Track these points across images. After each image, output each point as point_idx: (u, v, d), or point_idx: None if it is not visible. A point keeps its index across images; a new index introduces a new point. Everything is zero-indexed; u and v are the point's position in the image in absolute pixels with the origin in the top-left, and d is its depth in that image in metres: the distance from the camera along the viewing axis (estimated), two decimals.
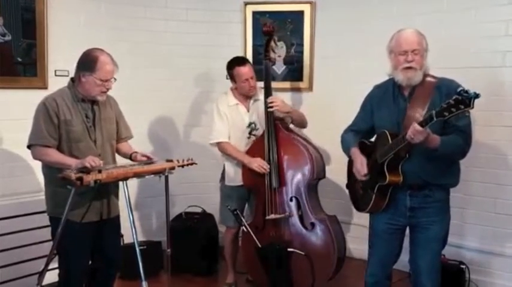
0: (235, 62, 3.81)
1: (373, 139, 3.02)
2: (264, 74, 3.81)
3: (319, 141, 4.24)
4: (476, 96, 2.27)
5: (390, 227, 2.92)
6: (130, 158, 3.16)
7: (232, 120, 3.84)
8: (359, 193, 3.04)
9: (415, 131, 2.48)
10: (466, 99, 2.28)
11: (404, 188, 2.80)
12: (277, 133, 3.72)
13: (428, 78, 2.78)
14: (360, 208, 3.07)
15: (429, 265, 2.85)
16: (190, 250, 4.27)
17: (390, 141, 2.70)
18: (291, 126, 3.94)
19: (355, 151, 2.98)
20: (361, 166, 2.88)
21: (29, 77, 3.90)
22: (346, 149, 3.10)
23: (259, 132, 3.83)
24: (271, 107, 3.68)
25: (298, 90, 4.74)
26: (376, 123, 2.95)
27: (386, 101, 2.89)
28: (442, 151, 2.64)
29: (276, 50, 4.02)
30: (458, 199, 3.98)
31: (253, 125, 3.86)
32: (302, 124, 3.94)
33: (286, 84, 4.75)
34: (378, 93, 2.99)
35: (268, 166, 3.66)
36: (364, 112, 3.06)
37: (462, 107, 2.30)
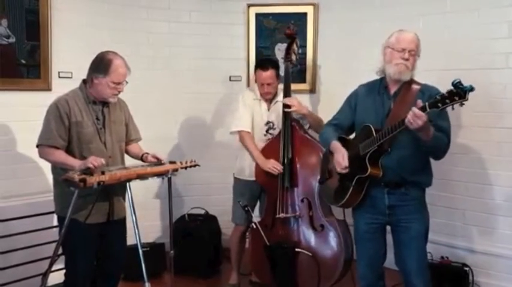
0: (259, 65, 3.90)
1: (352, 136, 3.06)
2: (284, 75, 3.86)
3: None
4: (471, 89, 2.33)
5: (371, 227, 2.95)
6: (141, 159, 3.18)
7: (253, 114, 3.89)
8: (334, 186, 3.07)
9: (414, 116, 2.49)
10: (462, 91, 2.33)
11: (381, 186, 2.85)
12: (293, 134, 3.74)
13: (414, 83, 2.86)
14: (334, 202, 3.11)
15: (417, 264, 2.86)
16: (193, 252, 4.27)
17: (375, 134, 2.74)
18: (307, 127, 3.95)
19: (336, 144, 2.99)
20: (343, 159, 2.90)
21: (33, 79, 3.91)
22: (324, 141, 3.13)
23: (276, 132, 3.85)
24: (289, 107, 3.70)
25: (301, 92, 4.73)
26: (359, 119, 2.98)
27: (371, 97, 2.95)
28: (432, 144, 2.67)
29: (296, 53, 4.05)
30: (461, 200, 3.99)
31: (271, 124, 3.90)
32: (319, 129, 3.85)
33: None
34: (363, 91, 3.04)
35: (282, 167, 3.67)
36: (347, 108, 3.09)
37: (457, 98, 2.35)
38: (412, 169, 2.81)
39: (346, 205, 3.02)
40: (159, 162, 3.08)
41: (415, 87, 2.83)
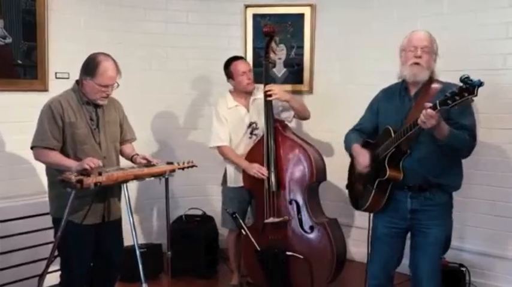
0: (232, 59, 3.90)
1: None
2: (264, 75, 3.80)
3: (320, 144, 4.24)
4: (480, 84, 2.29)
5: (391, 231, 2.92)
6: (131, 160, 3.17)
7: (232, 122, 3.85)
8: (359, 190, 3.06)
9: (427, 115, 2.48)
10: (470, 87, 2.30)
11: (405, 190, 2.81)
12: (277, 136, 3.71)
13: (435, 82, 2.82)
14: (359, 206, 3.07)
15: (430, 269, 2.84)
16: (191, 253, 4.26)
17: (393, 136, 2.73)
18: (292, 124, 3.91)
19: (356, 147, 3.01)
20: (363, 158, 2.91)
21: (30, 80, 3.90)
22: (348, 146, 3.12)
23: (260, 131, 3.82)
24: (270, 95, 3.66)
25: (298, 92, 4.74)
26: (381, 121, 2.98)
27: (392, 100, 2.94)
28: (448, 142, 2.63)
29: (276, 52, 4.01)
30: (458, 201, 3.97)
31: (254, 124, 3.86)
32: (304, 114, 3.87)
33: (287, 87, 4.74)
34: (385, 94, 3.05)
35: (267, 171, 3.65)
36: (370, 113, 3.09)
37: (466, 94, 2.32)
38: (436, 170, 2.76)
39: (370, 209, 2.99)
40: (149, 163, 3.07)
41: (436, 86, 2.79)
